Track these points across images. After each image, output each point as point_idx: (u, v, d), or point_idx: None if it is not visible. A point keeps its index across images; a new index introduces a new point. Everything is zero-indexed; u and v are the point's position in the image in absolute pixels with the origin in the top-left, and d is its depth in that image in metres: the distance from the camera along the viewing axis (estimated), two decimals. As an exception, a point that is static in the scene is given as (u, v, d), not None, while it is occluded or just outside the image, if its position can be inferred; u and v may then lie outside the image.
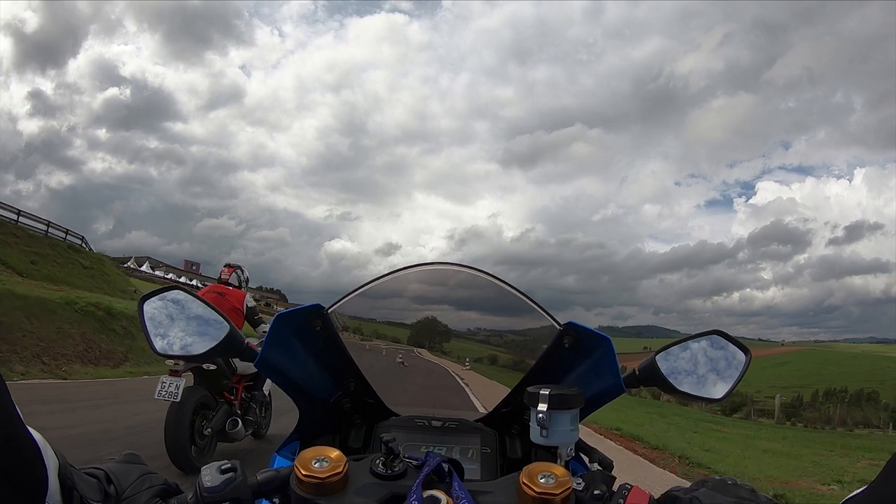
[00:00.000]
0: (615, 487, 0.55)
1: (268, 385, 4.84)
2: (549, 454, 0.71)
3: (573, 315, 0.81)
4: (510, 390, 0.89)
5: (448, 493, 0.51)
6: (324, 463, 0.51)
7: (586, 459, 0.78)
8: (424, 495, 0.50)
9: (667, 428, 9.98)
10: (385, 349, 1.15)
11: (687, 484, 0.55)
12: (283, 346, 0.78)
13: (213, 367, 4.07)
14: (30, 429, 0.41)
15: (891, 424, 23.93)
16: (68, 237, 25.37)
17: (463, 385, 1.32)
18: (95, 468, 0.51)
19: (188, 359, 0.75)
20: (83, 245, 26.79)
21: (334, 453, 0.53)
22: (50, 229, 23.78)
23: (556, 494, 0.50)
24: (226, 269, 4.89)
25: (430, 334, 1.19)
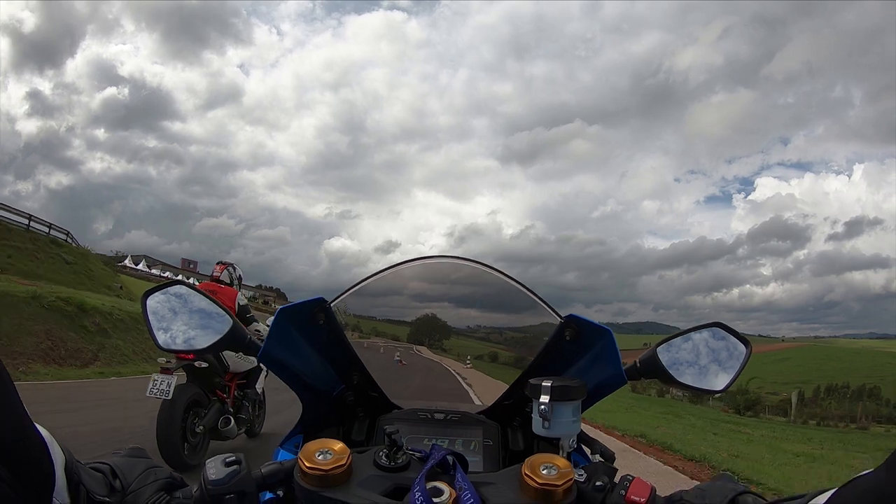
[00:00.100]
0: (617, 479, 0.56)
1: (261, 383, 4.86)
2: (551, 446, 0.72)
3: (573, 312, 0.82)
4: (512, 382, 0.91)
5: (451, 484, 0.53)
6: (327, 455, 0.53)
7: (588, 451, 0.79)
8: (427, 486, 0.51)
9: (685, 430, 9.39)
10: (383, 347, 1.15)
11: (693, 483, 0.57)
12: (286, 339, 0.79)
13: (204, 364, 4.08)
14: (37, 425, 0.42)
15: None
16: (52, 232, 25.13)
17: (466, 387, 1.28)
18: (101, 463, 0.52)
19: (192, 352, 0.76)
20: (68, 240, 26.56)
21: (338, 445, 0.54)
22: (32, 223, 23.52)
23: (558, 486, 0.51)
24: (218, 267, 4.91)
25: (429, 331, 1.19)
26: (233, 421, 4.26)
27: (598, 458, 0.75)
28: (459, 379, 1.31)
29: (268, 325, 5.18)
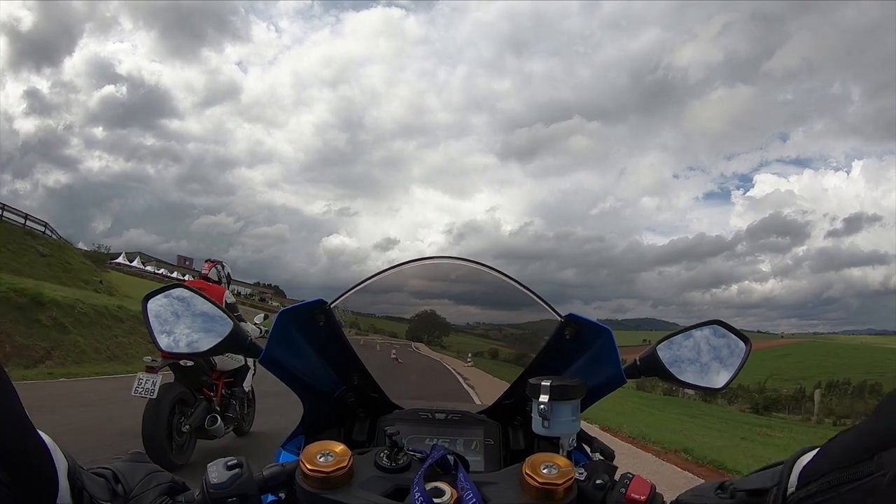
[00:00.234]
0: (617, 477, 0.58)
1: (248, 382, 4.89)
2: (552, 445, 0.74)
3: (572, 309, 0.83)
4: (513, 381, 0.93)
5: (452, 484, 0.54)
6: (329, 457, 0.54)
7: (588, 449, 0.81)
8: (428, 487, 0.53)
9: (715, 435, 8.56)
10: (380, 344, 1.16)
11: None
12: (287, 341, 0.80)
13: (190, 363, 4.09)
14: (39, 432, 0.43)
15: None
16: (28, 223, 24.81)
17: (468, 388, 1.26)
18: (103, 468, 0.53)
19: (194, 355, 0.78)
20: (46, 232, 26.25)
21: (339, 447, 0.55)
22: (5, 213, 23.18)
23: (558, 484, 0.52)
24: (206, 265, 4.96)
25: (428, 328, 1.19)
26: (220, 420, 4.28)
27: (598, 456, 0.76)
28: (460, 379, 1.29)
29: (255, 324, 5.22)
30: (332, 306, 0.82)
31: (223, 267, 4.98)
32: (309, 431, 0.90)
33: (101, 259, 34.72)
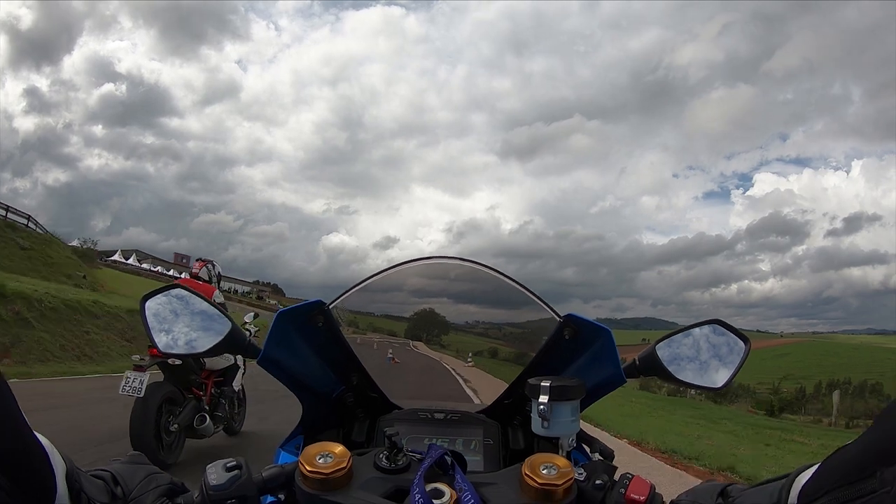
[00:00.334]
0: (616, 477, 0.59)
1: (238, 381, 4.91)
2: (551, 445, 0.75)
3: (572, 307, 0.84)
4: (512, 381, 0.94)
5: (451, 485, 0.55)
6: (328, 458, 0.55)
7: (587, 449, 0.82)
8: (428, 488, 0.53)
9: (736, 441, 7.90)
10: (377, 343, 1.16)
11: (697, 481, 0.58)
12: (286, 342, 0.81)
13: (178, 361, 4.09)
14: (37, 434, 0.43)
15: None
16: (9, 215, 24.56)
17: (470, 392, 1.23)
18: (102, 470, 0.53)
19: (192, 355, 0.78)
20: (29, 225, 26.00)
21: (338, 448, 0.56)
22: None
23: (558, 485, 0.53)
24: (197, 264, 5.01)
25: (427, 327, 1.20)
26: (209, 419, 4.29)
27: (597, 456, 0.78)
28: (461, 381, 1.28)
29: (245, 323, 5.22)
30: (330, 307, 0.83)
31: (213, 266, 5.05)
32: (308, 432, 0.91)
33: (89, 255, 34.40)
